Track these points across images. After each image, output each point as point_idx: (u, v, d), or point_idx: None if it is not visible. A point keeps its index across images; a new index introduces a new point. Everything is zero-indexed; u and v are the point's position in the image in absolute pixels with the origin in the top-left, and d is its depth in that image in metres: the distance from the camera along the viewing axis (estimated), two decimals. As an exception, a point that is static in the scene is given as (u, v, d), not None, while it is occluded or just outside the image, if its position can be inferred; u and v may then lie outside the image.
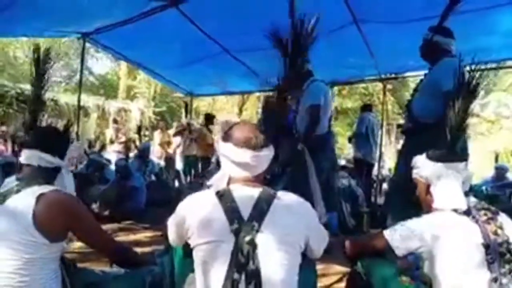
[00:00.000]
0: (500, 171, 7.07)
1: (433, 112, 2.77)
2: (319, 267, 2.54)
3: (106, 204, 4.61)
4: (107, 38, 5.51)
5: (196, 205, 1.42)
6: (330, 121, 3.88)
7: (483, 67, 2.29)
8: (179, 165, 8.30)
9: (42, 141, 1.64)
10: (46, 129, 1.83)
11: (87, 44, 5.85)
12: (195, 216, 1.38)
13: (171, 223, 1.49)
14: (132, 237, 3.90)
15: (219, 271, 1.28)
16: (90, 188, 4.89)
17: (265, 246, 1.30)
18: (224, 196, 1.38)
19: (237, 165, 1.46)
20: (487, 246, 1.44)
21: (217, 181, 1.54)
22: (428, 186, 1.71)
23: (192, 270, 1.40)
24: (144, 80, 16.20)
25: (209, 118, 7.94)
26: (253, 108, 15.62)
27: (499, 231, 1.48)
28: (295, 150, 3.52)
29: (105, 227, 4.07)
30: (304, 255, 1.44)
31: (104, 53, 15.77)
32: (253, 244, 1.29)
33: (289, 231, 1.36)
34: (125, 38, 5.32)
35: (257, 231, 1.31)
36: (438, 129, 2.74)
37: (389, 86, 9.61)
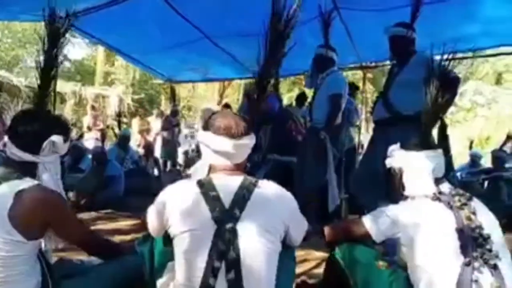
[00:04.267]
0: (474, 158, 7.25)
1: (415, 105, 2.87)
2: (298, 253, 2.57)
3: (83, 193, 4.54)
4: (84, 22, 5.34)
5: (177, 194, 1.41)
6: (343, 113, 3.94)
7: (461, 55, 2.35)
8: (158, 152, 8.25)
9: (13, 134, 1.51)
10: (17, 121, 1.56)
11: (63, 29, 5.66)
12: (176, 205, 1.37)
13: (151, 212, 1.48)
14: (110, 225, 3.87)
15: (199, 259, 1.29)
16: (66, 177, 4.80)
17: (246, 234, 1.31)
18: (205, 185, 1.39)
19: (217, 153, 1.46)
20: (460, 231, 1.48)
21: (198, 169, 1.54)
22: (401, 175, 1.75)
23: (172, 259, 1.40)
24: (122, 66, 15.89)
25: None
26: (234, 95, 15.54)
27: (472, 217, 1.53)
28: (316, 138, 3.61)
29: (83, 216, 4.01)
30: (284, 243, 1.46)
31: (81, 38, 15.38)
32: (234, 232, 1.30)
33: (270, 220, 1.37)
34: (103, 22, 5.17)
35: (238, 219, 1.32)
36: (418, 120, 2.86)
37: (369, 75, 9.68)
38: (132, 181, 5.37)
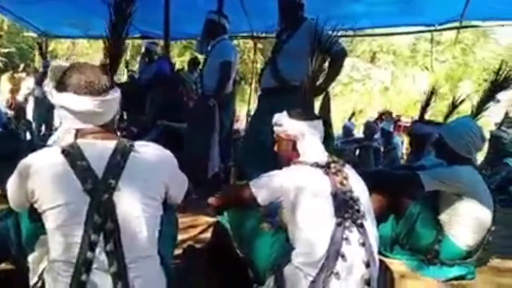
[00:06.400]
0: (347, 128, 8.02)
1: (303, 74, 2.93)
2: (185, 219, 2.60)
3: None
4: None
5: (41, 165, 1.25)
6: (234, 82, 3.87)
7: (343, 33, 2.51)
8: (30, 114, 7.42)
9: None
10: None
11: None
12: (40, 177, 1.23)
13: (12, 185, 1.32)
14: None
15: (74, 234, 1.20)
16: None
17: (124, 203, 1.25)
18: (72, 154, 1.25)
19: (81, 116, 1.31)
20: (334, 195, 1.63)
21: (62, 137, 1.38)
22: (294, 143, 1.83)
23: (43, 233, 1.28)
24: (-14, 14, 13.70)
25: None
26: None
27: (344, 182, 1.68)
28: (206, 105, 3.54)
29: None
30: (165, 203, 1.42)
31: None
32: (110, 203, 1.23)
33: (149, 184, 1.32)
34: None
35: (114, 188, 1.24)
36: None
37: (259, 45, 9.86)
38: (0, 145, 4.77)
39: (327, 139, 2.03)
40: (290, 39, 3.10)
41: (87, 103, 1.30)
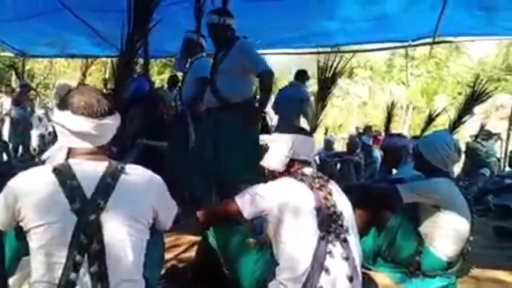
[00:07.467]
0: (328, 143, 8.13)
1: (242, 92, 3.06)
2: (169, 238, 2.56)
3: None
4: None
5: (30, 184, 1.25)
6: None
7: (327, 50, 2.58)
8: (6, 135, 7.25)
9: None
10: None
11: None
12: (28, 196, 1.22)
13: None
14: None
15: (59, 254, 1.18)
16: None
17: (111, 225, 1.24)
18: (62, 173, 1.25)
19: (77, 136, 1.32)
20: (318, 209, 1.65)
21: (54, 154, 1.37)
22: (266, 150, 1.90)
23: (27, 253, 1.26)
24: (-40, 33, 13.43)
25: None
26: (99, 74, 14.44)
27: (328, 197, 1.71)
28: (183, 121, 3.57)
29: None
30: (153, 228, 1.41)
31: None
32: (97, 224, 1.22)
33: (137, 208, 1.32)
34: None
35: (102, 209, 1.23)
36: (247, 107, 3.03)
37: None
38: (-26, 168, 4.65)
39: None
40: (224, 58, 3.14)
41: (83, 124, 1.30)
